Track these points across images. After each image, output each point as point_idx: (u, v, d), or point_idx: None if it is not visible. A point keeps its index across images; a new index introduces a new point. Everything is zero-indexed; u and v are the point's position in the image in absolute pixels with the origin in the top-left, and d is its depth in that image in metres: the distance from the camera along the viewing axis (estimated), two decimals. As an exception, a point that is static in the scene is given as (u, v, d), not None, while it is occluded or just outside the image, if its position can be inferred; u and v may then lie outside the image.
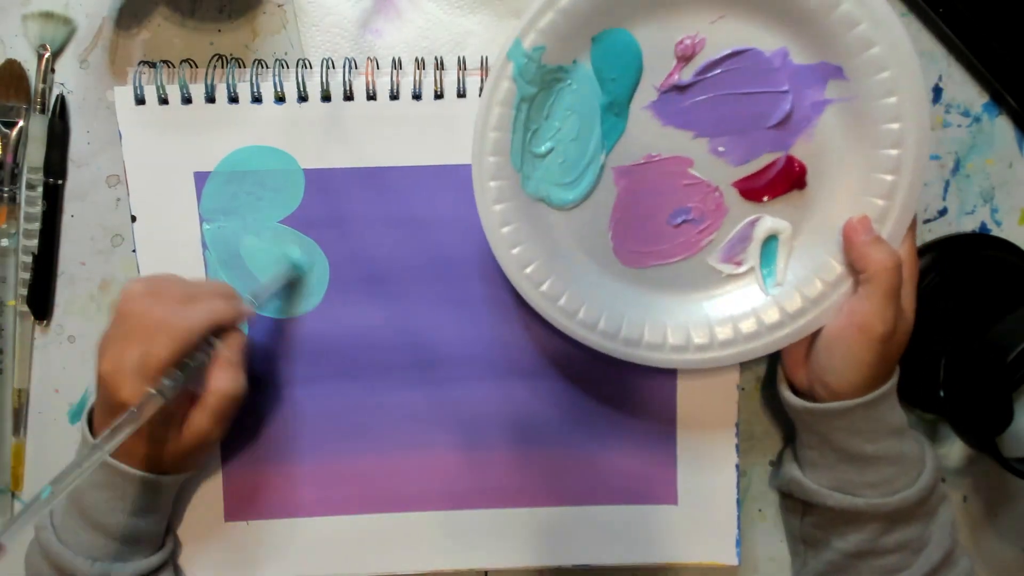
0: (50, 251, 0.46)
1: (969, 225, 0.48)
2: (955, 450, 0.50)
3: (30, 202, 0.46)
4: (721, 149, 0.42)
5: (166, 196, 0.45)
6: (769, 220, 0.43)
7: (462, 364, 0.46)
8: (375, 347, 0.46)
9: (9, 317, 0.47)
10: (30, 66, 0.45)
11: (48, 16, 0.45)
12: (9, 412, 0.47)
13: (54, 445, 0.48)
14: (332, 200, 0.45)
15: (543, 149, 0.42)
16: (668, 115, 0.42)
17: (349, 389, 0.46)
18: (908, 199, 0.40)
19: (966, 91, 0.47)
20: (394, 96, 0.44)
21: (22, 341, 0.47)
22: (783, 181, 0.42)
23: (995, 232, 0.48)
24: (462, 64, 0.44)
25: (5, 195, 0.46)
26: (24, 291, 0.46)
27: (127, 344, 0.38)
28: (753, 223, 0.43)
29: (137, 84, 0.43)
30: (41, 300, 0.46)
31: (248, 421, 0.46)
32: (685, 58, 0.41)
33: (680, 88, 0.41)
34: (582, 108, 0.42)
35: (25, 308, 0.46)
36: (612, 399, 0.47)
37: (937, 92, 0.47)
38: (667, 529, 0.48)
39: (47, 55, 0.45)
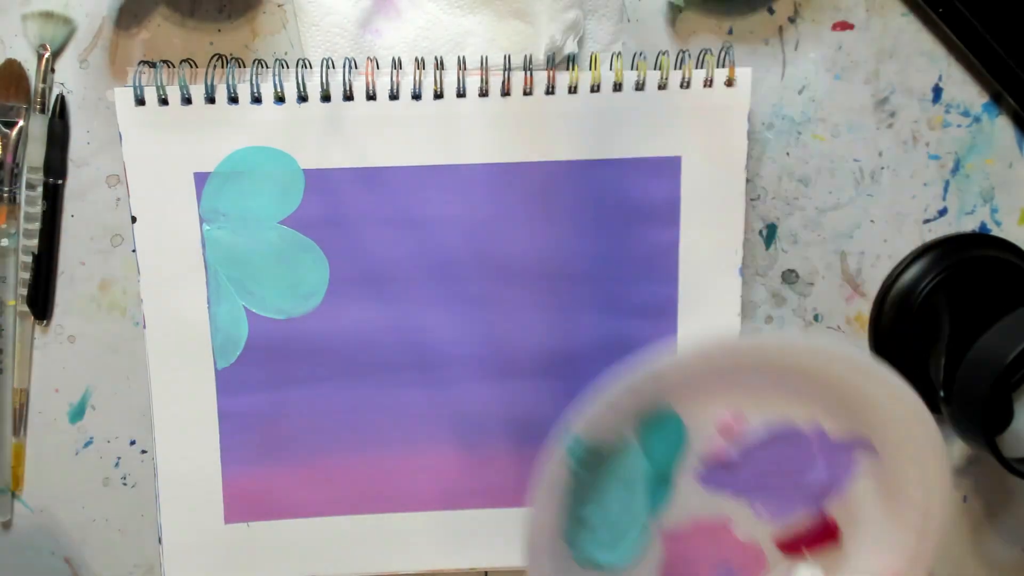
0: (50, 251, 0.46)
1: (969, 225, 0.48)
2: (955, 450, 0.50)
3: (30, 202, 0.46)
4: (760, 508, 0.45)
5: (166, 197, 0.45)
6: (805, 570, 0.45)
7: (462, 364, 0.46)
8: (375, 347, 0.46)
9: (9, 317, 0.47)
10: (30, 66, 0.45)
11: (48, 16, 0.45)
12: (9, 412, 0.47)
13: (54, 445, 0.48)
14: (331, 200, 0.45)
15: (588, 516, 0.44)
16: (712, 483, 0.45)
17: (349, 389, 0.46)
18: (928, 558, 0.43)
19: (966, 91, 0.47)
20: (394, 96, 0.44)
21: (22, 341, 0.47)
22: (818, 536, 0.45)
23: (995, 232, 0.48)
24: (462, 64, 0.44)
25: (5, 195, 0.46)
26: (24, 291, 0.46)
27: None
28: (789, 573, 0.46)
29: (137, 84, 0.43)
30: (41, 300, 0.46)
31: (247, 423, 0.46)
32: (727, 434, 0.44)
33: (727, 466, 0.44)
34: (628, 478, 0.44)
35: (25, 308, 0.46)
36: None
37: (937, 92, 0.47)
38: None
39: (47, 55, 0.45)
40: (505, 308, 0.46)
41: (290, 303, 0.46)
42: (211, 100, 0.44)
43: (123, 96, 0.44)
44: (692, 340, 0.43)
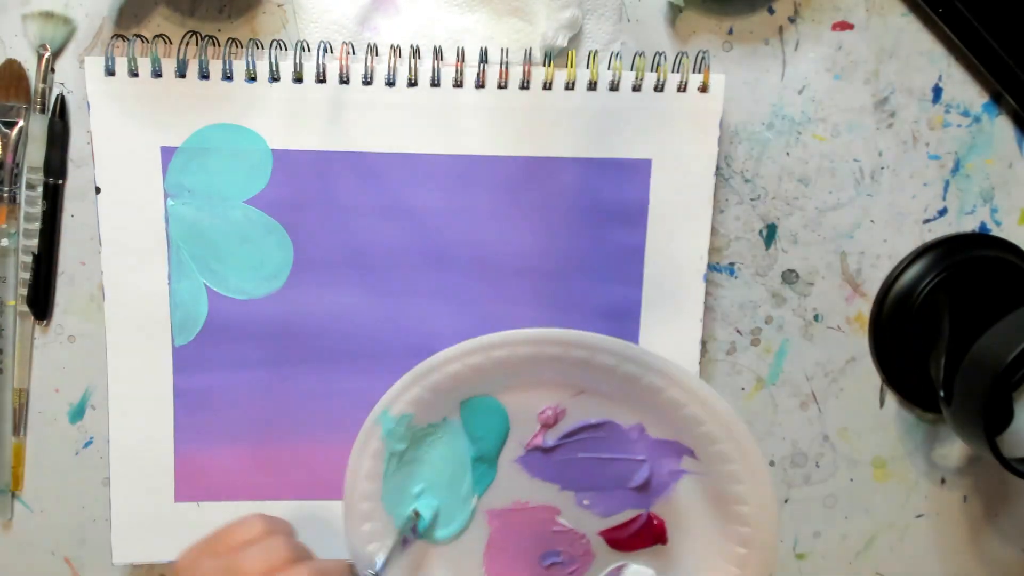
0: (50, 251, 0.46)
1: (969, 225, 0.48)
2: (955, 450, 0.50)
3: (30, 202, 0.46)
4: (586, 502, 0.46)
5: (132, 169, 0.44)
6: (634, 567, 0.47)
7: (426, 353, 0.46)
8: (337, 333, 0.46)
9: (9, 317, 0.47)
10: (30, 66, 0.45)
11: (48, 16, 0.45)
12: (9, 412, 0.47)
13: (54, 445, 0.48)
14: (301, 183, 0.45)
15: (415, 491, 0.46)
16: (535, 469, 0.46)
17: (308, 374, 0.46)
18: (760, 571, 0.44)
19: (966, 91, 0.47)
20: (389, 83, 0.44)
21: (22, 341, 0.47)
22: (645, 536, 0.47)
23: (995, 232, 0.48)
24: (460, 55, 0.44)
25: (5, 195, 0.46)
26: (24, 291, 0.46)
27: None
28: (619, 569, 0.47)
29: (109, 55, 0.43)
30: (41, 300, 0.46)
31: (202, 402, 0.46)
32: (547, 425, 0.46)
33: (544, 449, 0.46)
34: (453, 457, 0.46)
35: (25, 308, 0.46)
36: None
37: (937, 92, 0.47)
38: None
39: (47, 55, 0.45)
40: (474, 300, 0.46)
41: (252, 284, 0.46)
42: (182, 75, 0.44)
43: (93, 65, 0.43)
44: (500, 334, 0.43)
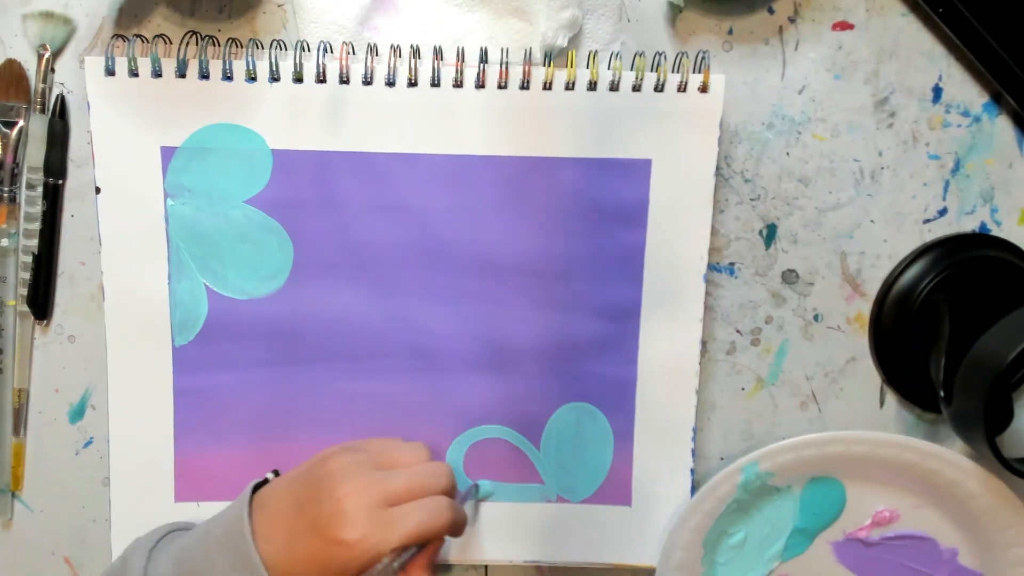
0: (50, 251, 0.46)
1: (969, 225, 0.48)
2: (955, 450, 0.50)
3: (30, 202, 0.46)
4: None
5: (132, 169, 0.44)
6: None
7: (428, 355, 0.46)
8: (337, 333, 0.46)
9: (9, 317, 0.47)
10: (30, 66, 0.45)
11: (48, 16, 0.45)
12: (9, 412, 0.47)
13: (54, 445, 0.48)
14: (301, 183, 0.45)
15: (733, 538, 0.48)
16: (845, 557, 0.49)
17: (307, 374, 0.46)
18: None
19: (966, 91, 0.47)
20: (390, 83, 0.44)
21: (22, 341, 0.47)
22: None
23: (995, 232, 0.48)
24: (460, 55, 0.44)
25: (5, 195, 0.46)
26: (24, 291, 0.46)
27: (311, 548, 0.37)
28: None
29: (109, 55, 0.43)
30: (41, 300, 0.46)
31: (202, 402, 0.46)
32: (879, 524, 0.48)
33: (865, 543, 0.49)
34: (777, 521, 0.48)
35: (25, 308, 0.46)
36: (577, 396, 0.47)
37: (937, 92, 0.47)
38: (619, 530, 0.48)
39: (47, 55, 0.45)
40: (474, 300, 0.46)
41: (252, 283, 0.46)
42: (182, 75, 0.44)
43: (93, 65, 0.43)
44: (884, 434, 0.46)
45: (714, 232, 0.47)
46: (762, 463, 0.46)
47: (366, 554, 0.36)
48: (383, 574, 0.37)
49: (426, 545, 0.39)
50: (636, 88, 0.44)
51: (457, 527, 0.40)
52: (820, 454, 0.46)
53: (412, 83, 0.44)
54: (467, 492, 0.46)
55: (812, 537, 0.49)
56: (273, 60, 0.43)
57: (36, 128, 0.46)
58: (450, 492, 0.41)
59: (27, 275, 0.46)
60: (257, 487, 0.41)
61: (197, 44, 0.44)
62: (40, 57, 0.45)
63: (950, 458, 0.46)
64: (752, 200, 0.48)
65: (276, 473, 0.43)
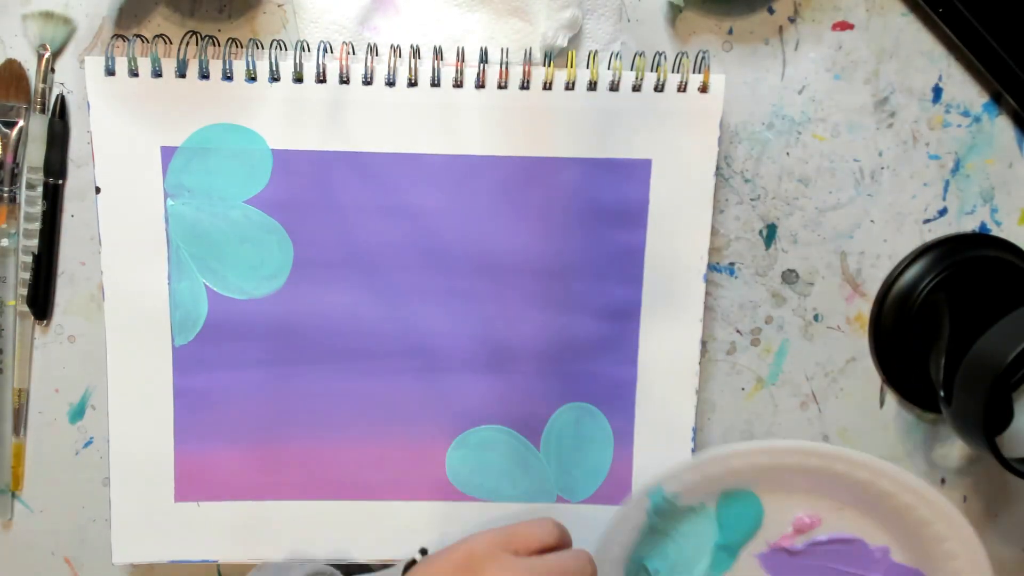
0: (50, 251, 0.46)
1: (969, 225, 0.48)
2: (955, 450, 0.50)
3: (30, 202, 0.46)
4: None
5: (132, 169, 0.44)
6: None
7: (429, 355, 0.46)
8: (337, 333, 0.46)
9: (9, 317, 0.47)
10: (30, 66, 0.45)
11: (48, 16, 0.45)
12: (9, 412, 0.47)
13: (54, 445, 0.48)
14: (301, 183, 0.45)
15: (651, 568, 0.48)
16: (773, 568, 0.48)
17: (307, 374, 0.46)
18: None
19: (966, 91, 0.47)
20: (390, 83, 0.44)
21: (22, 341, 0.47)
22: None
23: (995, 232, 0.48)
24: (460, 55, 0.44)
25: (5, 195, 0.46)
26: (24, 291, 0.46)
27: None
28: None
29: (109, 55, 0.43)
30: (41, 300, 0.46)
31: (202, 402, 0.46)
32: (800, 531, 0.47)
33: (790, 552, 0.48)
34: (697, 539, 0.48)
35: (25, 308, 0.46)
36: (577, 396, 0.47)
37: (937, 92, 0.47)
38: None
39: (47, 55, 0.45)
40: (474, 300, 0.46)
41: (252, 283, 0.46)
42: (182, 75, 0.44)
43: (93, 65, 0.43)
44: (785, 441, 0.46)
45: (714, 232, 0.47)
46: (666, 486, 0.45)
47: None
48: None
49: None
50: (636, 88, 0.44)
51: None
52: (725, 469, 0.45)
53: (412, 83, 0.44)
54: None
55: (735, 552, 0.48)
56: (273, 60, 0.43)
57: (36, 128, 0.46)
58: None
59: (27, 275, 0.46)
60: (408, 565, 0.41)
61: (197, 44, 0.44)
62: (40, 57, 0.45)
63: (857, 459, 0.44)
64: (752, 200, 0.48)
65: (424, 552, 0.43)
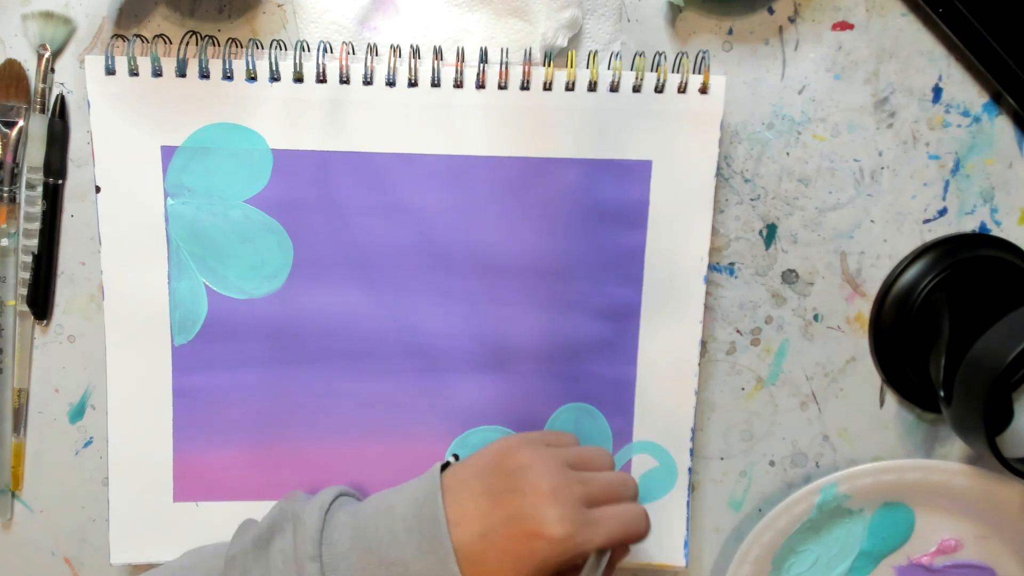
0: (50, 251, 0.46)
1: (969, 225, 0.48)
2: (955, 450, 0.50)
3: (30, 202, 0.46)
4: None
5: (132, 168, 0.44)
6: None
7: (428, 355, 0.46)
8: (337, 334, 0.46)
9: (9, 317, 0.47)
10: (30, 66, 0.45)
11: (48, 16, 0.45)
12: (9, 412, 0.47)
13: (54, 445, 0.48)
14: (301, 182, 0.45)
15: (803, 560, 0.49)
16: None
17: (307, 374, 0.46)
18: None
19: (966, 91, 0.47)
20: (390, 83, 0.44)
21: (22, 341, 0.47)
22: None
23: (995, 232, 0.48)
24: (460, 55, 0.44)
25: (5, 195, 0.46)
26: (24, 291, 0.46)
27: (508, 539, 0.36)
28: None
29: (108, 55, 0.43)
30: (41, 300, 0.46)
31: (201, 402, 0.46)
32: (943, 552, 0.49)
33: (928, 569, 0.49)
34: (845, 542, 0.49)
35: (25, 308, 0.46)
36: (576, 396, 0.47)
37: (937, 92, 0.47)
38: None
39: (47, 55, 0.45)
40: (474, 300, 0.46)
41: (251, 283, 0.46)
42: (182, 74, 0.44)
43: (93, 64, 0.43)
44: (958, 464, 0.47)
45: (714, 232, 0.47)
46: (841, 485, 0.47)
47: (568, 552, 0.36)
48: (589, 574, 0.37)
49: (613, 552, 0.39)
50: (636, 89, 0.44)
51: (645, 536, 0.40)
52: (898, 480, 0.47)
53: (412, 83, 0.44)
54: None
55: (877, 561, 0.49)
56: (273, 60, 0.43)
57: (36, 128, 0.46)
58: (637, 500, 0.41)
59: (27, 275, 0.46)
60: (443, 466, 0.40)
61: (197, 44, 0.44)
62: (40, 57, 0.45)
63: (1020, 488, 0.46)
64: (752, 200, 0.48)
65: (456, 457, 0.42)
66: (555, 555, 0.36)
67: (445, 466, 0.41)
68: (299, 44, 0.44)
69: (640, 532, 0.38)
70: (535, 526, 0.36)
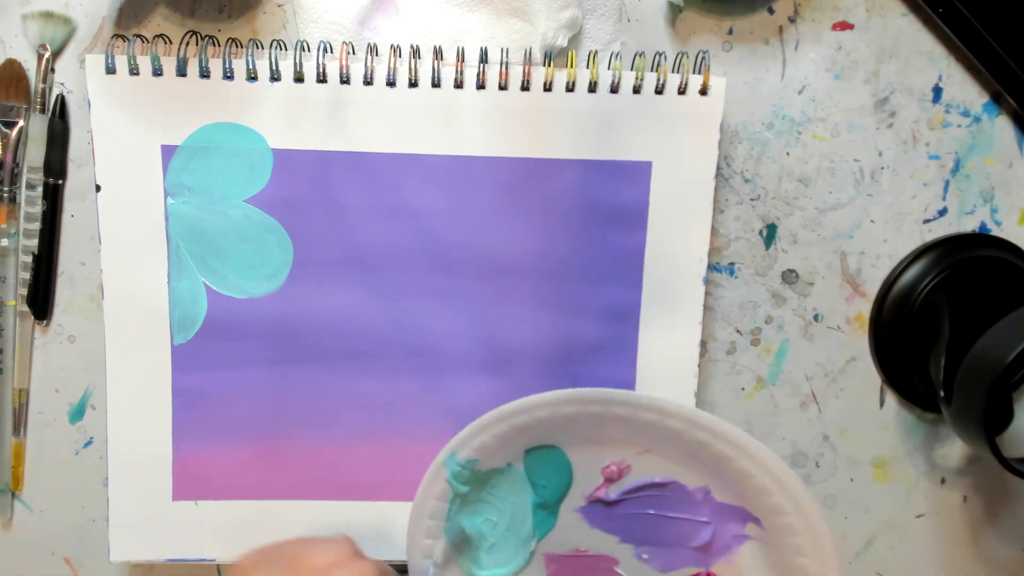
0: (50, 251, 0.46)
1: (969, 225, 0.48)
2: (955, 450, 0.50)
3: (30, 202, 0.46)
4: (645, 556, 0.47)
5: (132, 168, 0.44)
6: None
7: (428, 355, 0.46)
8: (336, 333, 0.46)
9: (9, 317, 0.47)
10: (30, 66, 0.46)
11: (48, 16, 0.45)
12: (9, 412, 0.47)
13: (54, 445, 0.48)
14: (302, 182, 0.45)
15: (475, 532, 0.47)
16: (595, 520, 0.47)
17: (306, 374, 0.46)
18: None
19: (966, 91, 0.47)
20: (390, 83, 0.44)
21: (22, 341, 0.47)
22: None
23: (995, 232, 0.48)
24: (461, 56, 0.44)
25: (5, 195, 0.46)
26: (24, 291, 0.46)
27: None
28: None
29: (109, 53, 0.43)
30: (41, 300, 0.46)
31: (200, 401, 0.46)
32: (610, 480, 0.46)
33: (606, 502, 0.46)
34: (515, 501, 0.47)
35: (25, 308, 0.46)
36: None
37: (937, 92, 0.47)
38: None
39: (47, 55, 0.45)
40: (474, 301, 0.46)
41: (251, 283, 0.46)
42: (183, 74, 0.44)
43: (94, 63, 0.43)
44: (581, 390, 0.43)
45: (714, 232, 0.47)
46: (459, 453, 0.45)
47: None
48: None
49: None
50: (636, 90, 0.44)
51: None
52: (513, 427, 0.44)
53: (413, 83, 0.44)
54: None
55: (555, 509, 0.47)
56: (273, 60, 0.43)
57: (36, 128, 0.46)
58: None
59: (27, 275, 0.46)
60: None
61: (197, 44, 0.44)
62: (40, 57, 0.45)
63: (669, 407, 0.43)
64: (752, 200, 0.48)
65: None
66: None
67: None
68: (299, 44, 0.44)
69: None
70: None
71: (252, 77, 0.44)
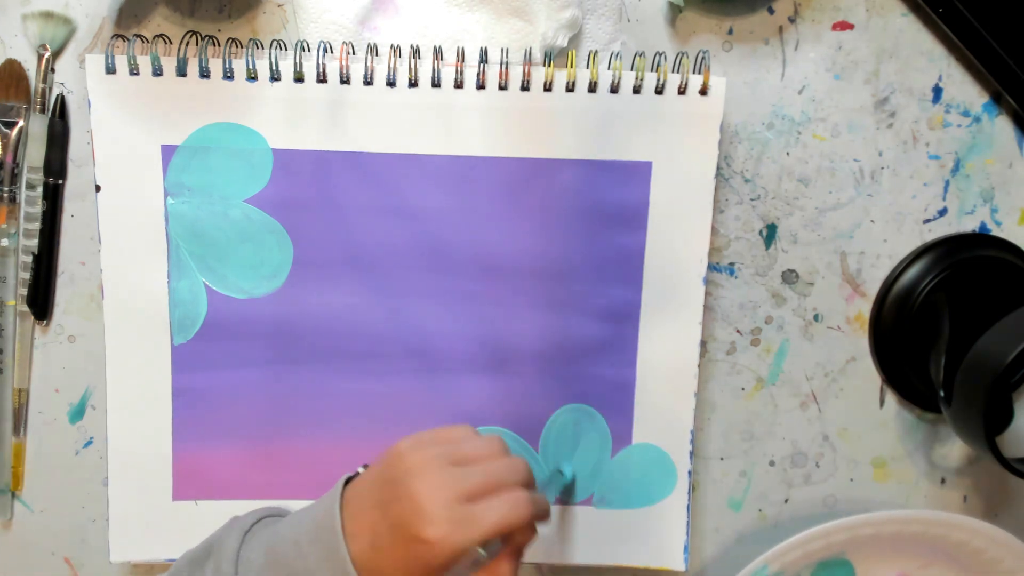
0: (50, 251, 0.46)
1: (969, 225, 0.48)
2: (955, 450, 0.50)
3: (30, 202, 0.46)
4: None
5: (132, 167, 0.44)
6: None
7: (428, 356, 0.46)
8: (335, 333, 0.46)
9: (9, 317, 0.47)
10: (30, 66, 0.45)
11: (48, 16, 0.45)
12: (9, 412, 0.47)
13: (54, 445, 0.48)
14: (302, 182, 0.45)
15: None
16: None
17: (305, 373, 0.46)
18: None
19: (966, 91, 0.47)
20: (391, 83, 0.44)
21: (22, 341, 0.47)
22: None
23: (995, 232, 0.48)
24: (461, 56, 0.44)
25: (5, 195, 0.46)
26: (24, 291, 0.46)
27: (394, 548, 0.36)
28: None
29: (109, 53, 0.43)
30: (41, 300, 0.46)
31: (200, 401, 0.46)
32: None
33: None
34: None
35: (25, 308, 0.46)
36: (576, 398, 0.47)
37: (937, 92, 0.47)
38: (618, 532, 0.48)
39: (47, 55, 0.45)
40: (473, 300, 0.46)
41: (251, 283, 0.46)
42: (183, 74, 0.44)
43: (94, 63, 0.43)
44: (875, 514, 0.46)
45: (714, 232, 0.47)
46: (771, 566, 0.46)
47: (449, 552, 0.36)
48: (469, 569, 0.37)
49: (511, 538, 0.39)
50: (636, 90, 0.44)
51: (539, 518, 0.40)
52: (826, 544, 0.46)
53: (413, 83, 0.44)
54: (550, 479, 0.46)
55: None
56: (273, 60, 0.43)
57: (36, 128, 0.46)
58: (529, 484, 0.40)
59: (27, 275, 0.46)
60: (348, 480, 0.40)
61: (197, 44, 0.44)
62: (40, 57, 0.45)
63: (954, 521, 0.46)
64: (752, 200, 0.48)
65: (366, 466, 0.42)
66: (438, 557, 0.36)
67: (352, 477, 0.41)
68: (299, 44, 0.44)
69: (520, 519, 0.38)
70: (414, 531, 0.36)
71: (252, 77, 0.44)
